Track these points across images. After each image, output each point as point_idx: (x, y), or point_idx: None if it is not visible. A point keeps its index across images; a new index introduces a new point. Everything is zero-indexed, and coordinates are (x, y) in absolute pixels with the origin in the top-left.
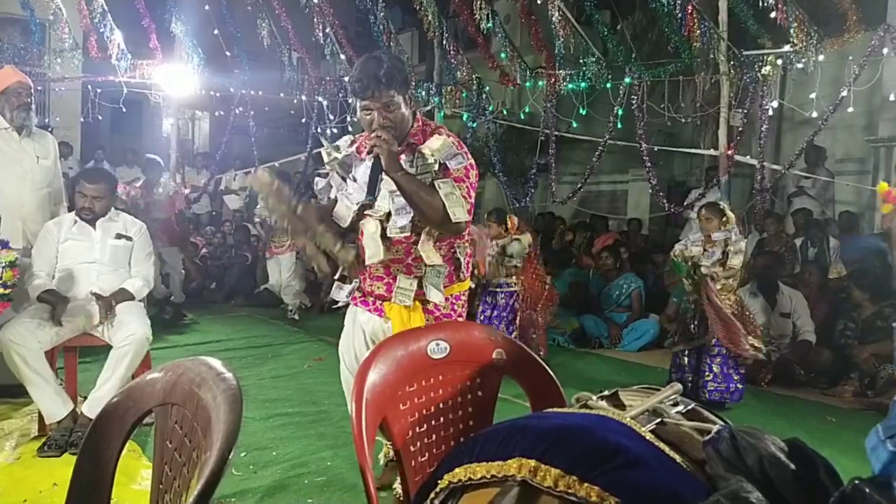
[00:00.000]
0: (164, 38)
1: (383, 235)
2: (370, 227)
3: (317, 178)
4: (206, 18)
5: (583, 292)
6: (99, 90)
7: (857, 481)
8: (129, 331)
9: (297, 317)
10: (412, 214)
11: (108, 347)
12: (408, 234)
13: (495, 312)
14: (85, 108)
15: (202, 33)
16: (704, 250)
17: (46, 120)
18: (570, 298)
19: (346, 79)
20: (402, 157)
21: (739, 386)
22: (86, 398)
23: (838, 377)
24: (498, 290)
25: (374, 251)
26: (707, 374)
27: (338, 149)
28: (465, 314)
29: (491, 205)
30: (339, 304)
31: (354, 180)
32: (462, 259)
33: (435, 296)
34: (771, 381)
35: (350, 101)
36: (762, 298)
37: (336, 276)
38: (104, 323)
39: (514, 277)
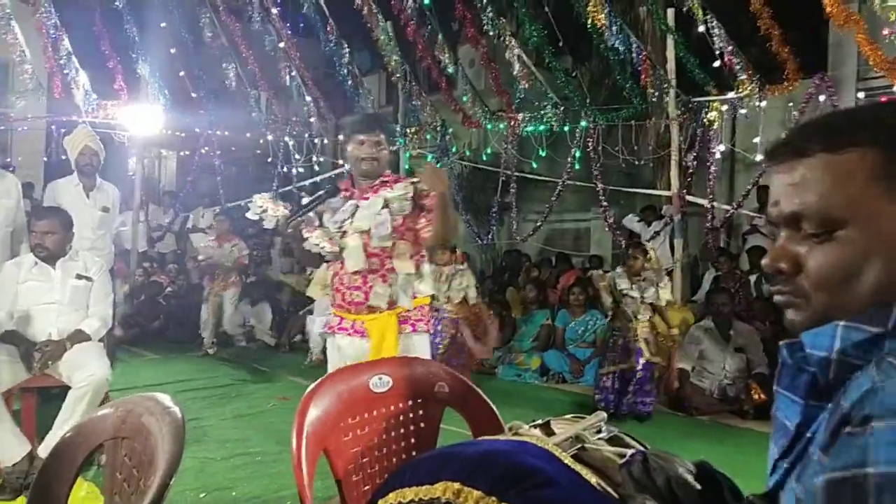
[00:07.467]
0: (130, 79)
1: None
2: (353, 242)
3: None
4: (173, 60)
5: (550, 328)
6: (63, 130)
7: (750, 497)
8: (89, 371)
9: (211, 351)
10: (390, 230)
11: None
12: (387, 245)
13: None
14: (49, 147)
15: (168, 74)
16: (632, 284)
17: (8, 159)
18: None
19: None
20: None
21: (650, 402)
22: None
23: None
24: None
25: (356, 261)
26: (629, 394)
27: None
28: (430, 321)
29: (457, 241)
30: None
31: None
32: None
33: (404, 301)
34: (723, 414)
35: (316, 141)
36: (717, 334)
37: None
38: (45, 369)
39: (450, 305)
